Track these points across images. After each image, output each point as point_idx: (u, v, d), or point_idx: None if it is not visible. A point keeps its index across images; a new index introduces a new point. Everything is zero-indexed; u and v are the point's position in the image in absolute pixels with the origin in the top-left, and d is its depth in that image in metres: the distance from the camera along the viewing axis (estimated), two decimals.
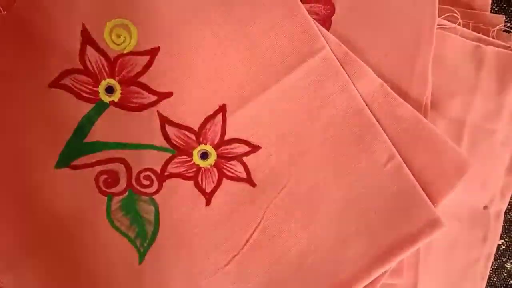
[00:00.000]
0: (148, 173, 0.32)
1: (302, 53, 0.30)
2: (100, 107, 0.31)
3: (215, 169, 0.32)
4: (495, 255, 0.39)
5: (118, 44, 0.30)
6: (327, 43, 0.31)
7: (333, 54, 0.31)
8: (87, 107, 0.31)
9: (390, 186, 0.31)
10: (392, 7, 0.32)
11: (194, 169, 0.32)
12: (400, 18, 0.32)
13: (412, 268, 0.34)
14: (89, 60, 0.30)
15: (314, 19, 0.31)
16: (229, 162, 0.32)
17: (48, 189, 0.32)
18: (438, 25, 0.32)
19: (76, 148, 0.31)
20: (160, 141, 0.32)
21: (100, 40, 0.30)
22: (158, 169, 0.32)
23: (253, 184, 0.32)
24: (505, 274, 0.42)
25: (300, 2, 0.30)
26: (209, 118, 0.32)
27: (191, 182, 0.33)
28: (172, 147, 0.32)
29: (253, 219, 0.33)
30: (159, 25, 0.29)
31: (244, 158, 0.32)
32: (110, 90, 0.31)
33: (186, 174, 0.32)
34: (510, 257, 0.42)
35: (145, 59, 0.30)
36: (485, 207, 0.38)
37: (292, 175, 0.32)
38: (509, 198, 0.39)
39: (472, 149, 0.36)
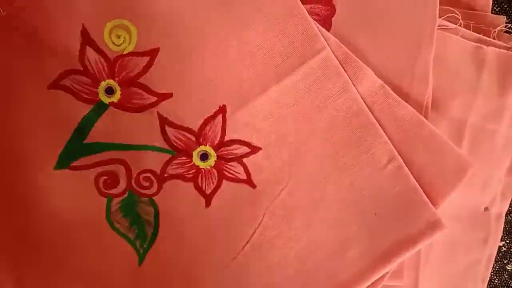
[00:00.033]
0: (147, 174, 0.32)
1: (302, 53, 0.30)
2: (100, 108, 0.31)
3: (215, 170, 0.32)
4: (496, 256, 0.39)
5: (117, 45, 0.30)
6: (328, 44, 0.31)
7: (334, 55, 0.31)
8: (86, 108, 0.31)
9: (391, 187, 0.31)
10: (392, 8, 0.32)
11: (194, 170, 0.32)
12: (401, 19, 0.32)
13: (412, 269, 0.34)
14: (89, 61, 0.30)
15: (315, 19, 0.31)
16: (229, 163, 0.32)
17: (48, 191, 0.32)
18: (439, 26, 0.32)
19: (75, 149, 0.31)
20: (160, 142, 0.32)
21: (100, 41, 0.30)
22: (157, 170, 0.32)
23: (253, 185, 0.32)
24: (506, 276, 0.42)
25: (300, 3, 0.30)
26: (209, 119, 0.31)
27: (191, 183, 0.32)
28: (171, 148, 0.32)
29: (253, 220, 0.32)
30: (158, 25, 0.29)
31: (244, 159, 0.32)
32: (109, 91, 0.31)
33: (186, 175, 0.32)
34: (511, 259, 0.42)
35: (145, 60, 0.30)
36: (486, 209, 0.38)
37: (292, 176, 0.32)
38: (510, 199, 0.39)
39: (473, 150, 0.36)
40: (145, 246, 0.33)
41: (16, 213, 0.32)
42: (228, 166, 0.32)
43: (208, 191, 0.33)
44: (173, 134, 0.32)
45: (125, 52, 0.30)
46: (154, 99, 0.31)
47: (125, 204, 0.33)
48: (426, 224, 0.30)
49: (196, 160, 0.32)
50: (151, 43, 0.30)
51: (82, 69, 0.30)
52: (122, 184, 0.32)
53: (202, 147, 0.32)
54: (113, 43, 0.30)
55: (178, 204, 0.33)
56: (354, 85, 0.31)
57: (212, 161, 0.32)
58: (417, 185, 0.31)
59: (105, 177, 0.32)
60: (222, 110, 0.31)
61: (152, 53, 0.30)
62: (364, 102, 0.31)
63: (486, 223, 0.38)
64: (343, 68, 0.31)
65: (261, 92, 0.31)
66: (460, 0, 0.35)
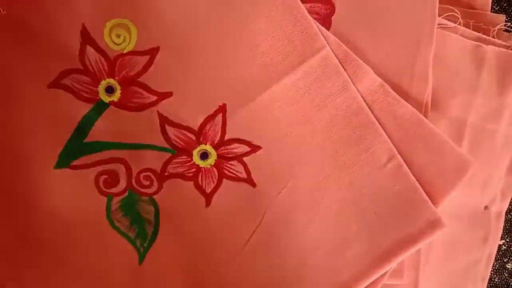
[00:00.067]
0: (148, 173, 0.32)
1: (302, 52, 0.30)
2: (100, 107, 0.31)
3: (215, 169, 0.32)
4: (496, 255, 0.39)
5: (118, 44, 0.30)
6: (327, 43, 0.31)
7: (333, 53, 0.31)
8: (87, 107, 0.31)
9: (391, 186, 0.31)
10: (392, 6, 0.32)
11: (194, 169, 0.32)
12: (401, 18, 0.32)
13: (412, 268, 0.34)
14: (89, 60, 0.30)
15: (314, 18, 0.30)
16: (229, 162, 0.32)
17: (48, 190, 0.32)
18: (439, 24, 0.32)
19: (75, 148, 0.31)
20: (160, 141, 0.32)
21: (100, 40, 0.30)
22: (158, 169, 0.32)
23: (253, 184, 0.32)
24: (506, 275, 0.42)
25: (300, 2, 0.30)
26: (209, 118, 0.31)
27: (191, 182, 0.32)
28: (172, 147, 0.32)
29: (253, 220, 0.32)
30: (159, 25, 0.29)
31: (244, 158, 0.32)
32: (110, 90, 0.31)
33: (186, 174, 0.32)
34: (511, 258, 0.42)
35: (145, 59, 0.30)
36: (486, 207, 0.38)
37: (292, 175, 0.32)
38: (510, 198, 0.39)
39: (473, 149, 0.36)
40: (145, 245, 0.33)
41: (16, 212, 0.32)
42: (228, 165, 0.32)
43: (208, 190, 0.33)
44: (173, 133, 0.32)
45: (125, 51, 0.30)
46: (154, 98, 0.31)
47: (125, 203, 0.33)
48: (426, 223, 0.30)
49: (196, 159, 0.32)
50: (151, 42, 0.30)
51: (82, 68, 0.30)
52: (122, 183, 0.32)
53: (202, 146, 0.32)
54: (113, 42, 0.30)
55: (178, 203, 0.33)
56: (353, 84, 0.31)
57: (212, 160, 0.32)
58: (417, 184, 0.31)
59: (105, 176, 0.32)
60: (222, 109, 0.31)
61: (152, 52, 0.30)
62: (364, 100, 0.31)
63: (486, 222, 0.38)
64: (342, 67, 0.31)
65: (261, 91, 0.31)
66: None
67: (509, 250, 0.42)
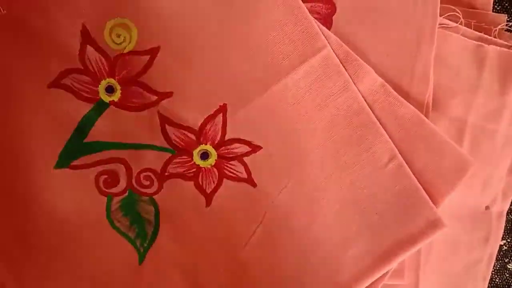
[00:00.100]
0: (148, 173, 0.32)
1: (303, 52, 0.30)
2: (100, 107, 0.31)
3: (215, 169, 0.32)
4: (497, 255, 0.39)
5: (118, 44, 0.30)
6: (328, 43, 0.30)
7: (334, 53, 0.31)
8: (87, 107, 0.31)
9: (392, 186, 0.31)
10: (393, 6, 0.31)
11: (194, 169, 0.32)
12: (402, 18, 0.32)
13: (413, 269, 0.34)
14: (89, 60, 0.30)
15: (315, 18, 0.30)
16: (230, 162, 0.32)
17: (48, 190, 0.32)
18: (440, 24, 0.32)
19: (76, 148, 0.31)
20: (160, 141, 0.32)
21: (100, 39, 0.30)
22: (158, 169, 0.32)
23: (253, 184, 0.32)
24: (507, 275, 0.42)
25: (301, 1, 0.30)
26: (210, 118, 0.31)
27: (191, 182, 0.32)
28: (172, 147, 0.32)
29: (253, 219, 0.32)
30: (159, 24, 0.29)
31: (245, 158, 0.32)
32: (110, 90, 0.31)
33: (187, 174, 0.32)
34: None
35: (145, 58, 0.30)
36: (487, 208, 0.38)
37: (293, 175, 0.32)
38: (511, 198, 0.39)
39: (474, 149, 0.36)
40: (145, 245, 0.33)
41: (16, 212, 0.32)
42: (228, 165, 0.32)
43: (208, 190, 0.33)
44: (173, 133, 0.32)
45: (125, 51, 0.30)
46: (154, 98, 0.31)
47: (126, 203, 0.33)
48: (426, 223, 0.30)
49: (197, 159, 0.32)
50: (151, 42, 0.30)
51: (82, 68, 0.30)
52: (123, 183, 0.32)
53: (203, 146, 0.32)
54: (114, 42, 0.30)
55: (178, 203, 0.33)
56: (354, 84, 0.31)
57: (212, 160, 0.32)
58: (418, 184, 0.31)
59: (105, 176, 0.32)
60: (223, 109, 0.31)
61: (153, 52, 0.30)
62: (365, 100, 0.31)
63: (487, 222, 0.38)
64: (343, 66, 0.31)
65: (261, 91, 0.31)
66: None
67: (510, 250, 0.42)
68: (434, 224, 0.30)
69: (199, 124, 0.31)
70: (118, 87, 0.31)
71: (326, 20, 0.32)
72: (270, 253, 0.32)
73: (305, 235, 0.32)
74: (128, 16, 0.29)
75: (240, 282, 0.33)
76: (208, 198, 0.33)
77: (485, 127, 0.36)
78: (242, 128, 0.32)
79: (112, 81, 0.30)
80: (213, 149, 0.32)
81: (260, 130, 0.32)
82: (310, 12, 0.30)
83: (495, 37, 0.34)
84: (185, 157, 0.32)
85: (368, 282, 0.31)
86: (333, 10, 0.32)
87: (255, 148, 0.32)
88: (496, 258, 0.39)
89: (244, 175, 0.32)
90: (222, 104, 0.31)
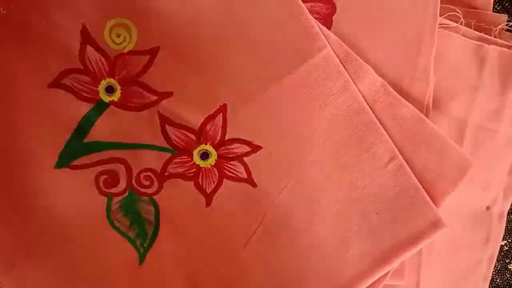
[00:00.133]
0: (148, 173, 0.32)
1: (303, 52, 0.30)
2: (100, 107, 0.31)
3: (215, 169, 0.32)
4: (498, 256, 0.39)
5: (118, 44, 0.30)
6: (328, 43, 0.30)
7: (334, 53, 0.31)
8: (87, 107, 0.31)
9: (392, 186, 0.31)
10: (393, 6, 0.31)
11: (194, 169, 0.32)
12: (402, 18, 0.32)
13: (414, 269, 0.34)
14: (89, 60, 0.30)
15: (315, 18, 0.30)
16: (230, 162, 0.32)
17: (48, 189, 0.32)
18: (440, 24, 0.32)
19: (76, 148, 0.31)
20: (160, 141, 0.32)
21: (100, 39, 0.30)
22: (158, 169, 0.32)
23: (253, 184, 0.32)
24: (508, 275, 0.42)
25: (301, 2, 0.30)
26: (210, 118, 0.31)
27: (191, 183, 0.32)
28: (172, 147, 0.32)
29: (253, 220, 0.32)
30: (159, 25, 0.29)
31: (245, 158, 0.32)
32: (110, 89, 0.31)
33: (187, 174, 0.32)
34: None
35: (145, 58, 0.30)
36: (488, 208, 0.38)
37: (293, 175, 0.32)
38: None
39: (474, 149, 0.36)
40: (145, 245, 0.33)
41: (16, 212, 0.32)
42: (228, 165, 0.32)
43: (208, 190, 0.32)
44: (173, 133, 0.32)
45: (125, 51, 0.30)
46: (154, 98, 0.31)
47: (126, 203, 0.33)
48: (427, 223, 0.30)
49: (197, 159, 0.32)
50: (151, 42, 0.30)
51: (82, 68, 0.30)
52: (122, 183, 0.32)
53: (203, 146, 0.32)
54: (114, 42, 0.30)
55: (178, 203, 0.33)
56: (355, 84, 0.31)
57: (212, 160, 0.32)
58: (418, 184, 0.31)
59: (105, 176, 0.32)
60: (223, 109, 0.31)
61: (153, 52, 0.30)
62: (365, 100, 0.31)
63: (488, 223, 0.38)
64: (344, 66, 0.31)
65: (262, 91, 0.31)
66: None
67: (511, 251, 0.42)
68: (434, 224, 0.30)
69: (199, 124, 0.31)
70: (118, 87, 0.31)
71: (326, 20, 0.32)
72: (270, 253, 0.32)
73: (305, 235, 0.32)
74: (128, 16, 0.29)
75: (240, 282, 0.33)
76: (208, 198, 0.33)
77: (485, 127, 0.36)
78: (242, 128, 0.32)
79: (112, 81, 0.30)
80: (213, 149, 0.32)
81: (260, 130, 0.32)
82: (310, 12, 0.30)
83: (495, 37, 0.34)
84: (185, 157, 0.32)
85: (369, 282, 0.31)
86: (333, 10, 0.32)
87: (255, 148, 0.32)
88: (497, 259, 0.39)
89: (244, 175, 0.32)
90: (222, 104, 0.31)
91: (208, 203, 0.33)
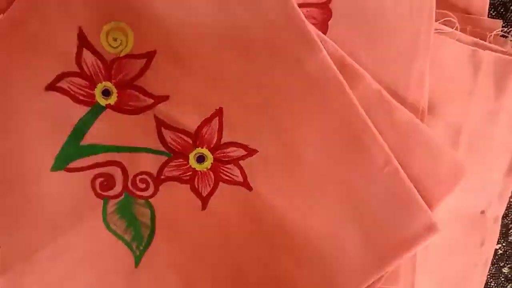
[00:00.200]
0: (144, 176, 0.32)
1: (298, 56, 0.30)
2: (97, 110, 0.31)
3: (211, 173, 0.32)
4: (492, 259, 0.39)
5: (114, 47, 0.30)
6: (324, 47, 0.30)
7: (330, 58, 0.31)
8: (83, 110, 0.31)
9: (387, 190, 0.31)
10: (388, 12, 0.31)
11: (190, 173, 0.32)
12: (397, 23, 0.32)
13: (409, 273, 0.34)
14: (86, 63, 0.30)
15: (311, 23, 0.30)
16: (226, 166, 0.32)
17: (44, 192, 0.32)
18: (435, 29, 0.32)
19: (72, 151, 0.31)
20: (156, 144, 0.32)
21: (97, 43, 0.30)
22: (154, 172, 0.32)
23: (249, 188, 0.32)
24: (503, 279, 0.42)
25: (296, 6, 0.30)
26: (206, 122, 0.31)
27: (187, 186, 0.33)
28: (168, 150, 0.32)
29: (249, 223, 0.33)
30: (155, 28, 0.29)
31: (241, 162, 0.32)
32: (106, 93, 0.31)
33: (183, 178, 0.32)
34: (507, 262, 0.42)
35: (142, 62, 0.30)
36: (483, 212, 0.38)
37: (289, 179, 0.32)
38: (507, 203, 0.39)
39: (470, 154, 0.36)
40: (141, 248, 0.33)
41: (12, 213, 0.32)
42: (224, 169, 0.32)
43: (204, 193, 0.33)
44: (169, 136, 0.32)
45: (121, 55, 0.30)
46: (150, 101, 0.31)
47: (122, 206, 0.33)
48: (421, 227, 0.30)
49: (193, 163, 0.32)
50: (148, 46, 0.30)
51: (79, 71, 0.30)
52: (119, 186, 0.32)
53: (199, 150, 0.32)
54: (110, 45, 0.30)
55: (174, 206, 0.33)
56: (350, 89, 0.31)
57: (208, 163, 0.32)
58: (414, 188, 0.31)
59: (102, 179, 0.32)
60: (219, 112, 0.31)
61: (149, 56, 0.30)
62: (360, 105, 0.31)
63: (482, 226, 0.38)
64: (339, 71, 0.31)
65: (257, 95, 0.31)
66: (457, 4, 0.35)
67: (505, 255, 0.42)
68: (429, 229, 0.30)
69: (196, 128, 0.32)
70: (115, 90, 0.31)
71: (322, 25, 0.32)
72: (266, 256, 0.33)
73: (301, 238, 0.32)
74: (125, 20, 0.29)
75: (236, 285, 0.33)
76: (204, 201, 0.33)
77: (480, 132, 0.36)
78: (238, 132, 0.32)
79: (108, 84, 0.31)
80: (209, 153, 0.32)
81: (256, 133, 0.32)
82: (306, 17, 0.30)
83: (490, 42, 0.35)
84: (181, 160, 0.32)
85: (363, 286, 0.31)
86: (329, 15, 0.32)
87: (251, 151, 0.32)
88: (492, 262, 0.39)
89: (240, 179, 0.32)
90: (218, 108, 0.31)
91: (204, 206, 0.33)
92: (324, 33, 0.32)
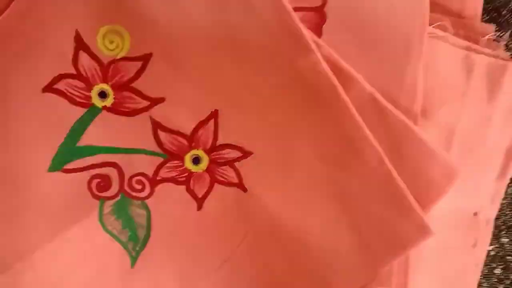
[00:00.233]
0: (140, 177, 0.33)
1: (293, 59, 0.30)
2: (93, 111, 0.31)
3: (207, 174, 0.33)
4: (484, 260, 0.40)
5: (111, 50, 0.30)
6: (318, 51, 0.31)
7: (324, 61, 0.31)
8: (80, 112, 0.31)
9: (379, 192, 0.31)
10: (382, 16, 0.32)
11: (186, 174, 0.33)
12: (391, 27, 0.32)
13: (401, 275, 0.34)
14: (82, 65, 0.30)
15: (306, 27, 0.31)
16: (221, 167, 0.32)
17: (41, 192, 0.32)
18: (429, 33, 0.32)
19: (68, 152, 0.32)
20: (152, 146, 0.32)
21: (93, 45, 0.30)
22: (150, 173, 0.32)
23: (244, 189, 0.32)
24: (495, 280, 0.43)
25: (291, 9, 0.30)
26: (202, 123, 0.32)
27: (183, 187, 0.33)
28: (164, 152, 0.32)
29: (244, 224, 0.33)
30: (151, 31, 0.30)
31: (236, 163, 0.32)
32: (103, 95, 0.31)
33: (178, 179, 0.33)
34: (499, 263, 0.43)
35: (138, 64, 0.30)
36: (475, 214, 0.38)
37: (284, 181, 0.32)
38: (499, 204, 0.39)
39: (463, 157, 0.36)
40: (137, 248, 0.33)
41: (8, 214, 0.32)
42: (220, 170, 0.32)
43: (200, 194, 0.33)
44: (165, 138, 0.32)
45: (118, 57, 0.30)
46: (147, 103, 0.31)
47: (118, 206, 0.33)
48: (414, 229, 0.30)
49: (188, 164, 0.32)
50: (144, 48, 0.30)
51: (75, 73, 0.30)
52: (115, 187, 0.33)
53: (195, 151, 0.32)
54: (107, 47, 0.30)
55: (170, 207, 0.33)
56: (344, 91, 0.31)
57: (204, 165, 0.32)
58: (407, 190, 0.30)
59: (98, 180, 0.32)
60: (215, 114, 0.32)
61: (145, 58, 0.30)
62: (354, 107, 0.31)
63: (475, 228, 0.39)
64: (333, 73, 0.31)
65: (253, 97, 0.31)
66: (450, 9, 0.35)
67: (498, 256, 0.42)
68: (422, 231, 0.30)
69: (191, 129, 0.32)
70: (111, 92, 0.31)
71: (316, 29, 0.32)
72: (260, 257, 0.33)
73: (295, 240, 0.32)
74: (121, 23, 0.30)
75: (231, 285, 0.33)
76: (200, 202, 0.33)
77: (474, 134, 0.36)
78: (234, 134, 0.32)
79: (105, 86, 0.31)
80: (205, 154, 0.32)
81: (251, 135, 0.32)
82: (300, 21, 0.30)
83: (483, 46, 0.35)
84: (177, 161, 0.32)
85: (357, 287, 0.31)
86: (323, 19, 0.32)
87: (246, 153, 0.32)
88: (484, 263, 0.40)
89: (235, 180, 0.32)
90: (214, 110, 0.31)
91: (199, 207, 0.33)
92: (319, 36, 0.32)
